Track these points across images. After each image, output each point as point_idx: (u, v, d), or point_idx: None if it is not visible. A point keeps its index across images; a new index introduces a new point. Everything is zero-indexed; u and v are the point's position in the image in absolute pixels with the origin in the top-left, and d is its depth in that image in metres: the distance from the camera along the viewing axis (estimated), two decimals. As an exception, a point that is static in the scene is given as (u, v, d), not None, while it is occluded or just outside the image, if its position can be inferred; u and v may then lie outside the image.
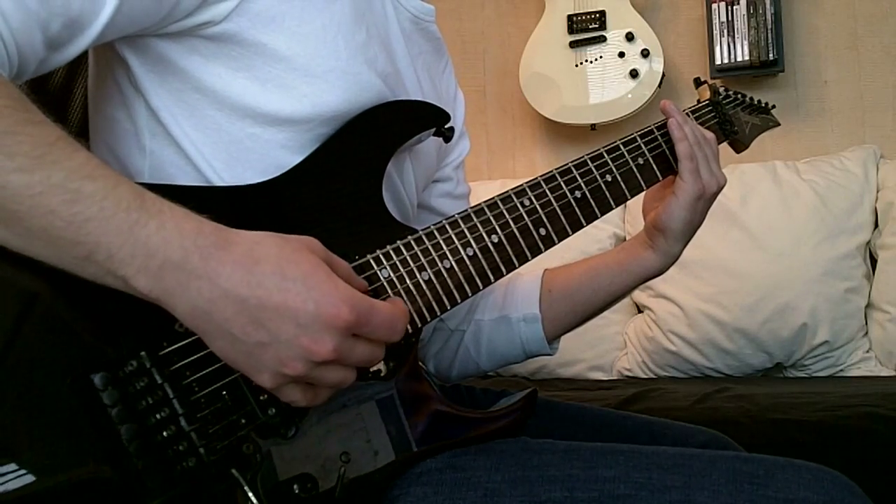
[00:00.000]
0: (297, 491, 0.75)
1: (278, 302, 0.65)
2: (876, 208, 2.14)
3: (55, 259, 0.64)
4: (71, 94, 1.06)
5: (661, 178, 1.03)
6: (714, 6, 2.38)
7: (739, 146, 1.20)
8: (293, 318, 0.65)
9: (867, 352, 2.07)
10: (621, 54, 2.39)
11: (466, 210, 0.89)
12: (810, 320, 2.02)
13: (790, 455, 0.82)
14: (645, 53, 2.37)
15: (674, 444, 0.96)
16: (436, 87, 1.04)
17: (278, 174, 0.82)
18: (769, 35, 2.33)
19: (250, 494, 0.72)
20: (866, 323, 2.09)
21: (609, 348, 2.24)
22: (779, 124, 1.30)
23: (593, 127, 2.45)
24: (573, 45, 2.43)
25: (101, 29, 0.72)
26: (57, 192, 0.62)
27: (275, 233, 0.69)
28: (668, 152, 1.03)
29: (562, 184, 0.94)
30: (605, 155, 0.99)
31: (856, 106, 2.39)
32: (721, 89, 1.19)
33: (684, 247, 1.04)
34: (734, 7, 2.36)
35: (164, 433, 0.70)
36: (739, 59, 2.35)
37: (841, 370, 2.07)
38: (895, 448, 1.38)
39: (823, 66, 2.42)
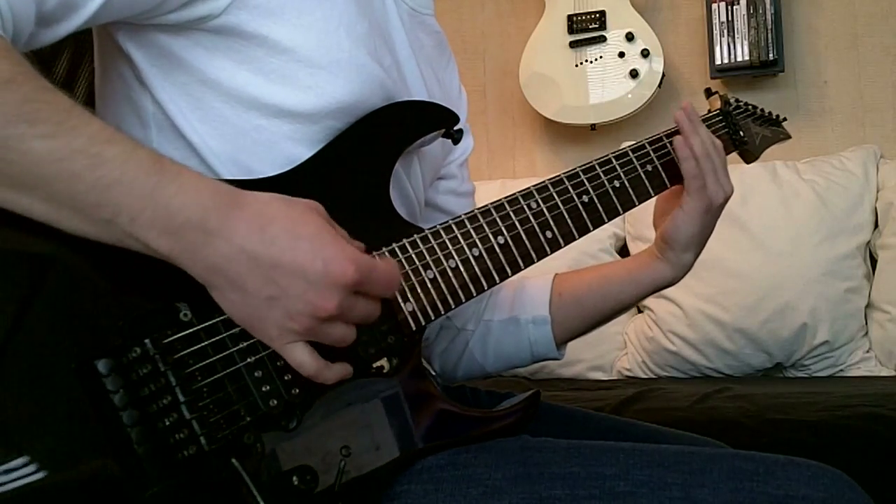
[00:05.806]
0: (296, 483, 0.75)
1: (289, 259, 0.68)
2: (876, 208, 2.14)
3: (77, 222, 0.66)
4: (73, 93, 1.06)
5: (669, 186, 1.03)
6: (714, 6, 2.38)
7: (749, 156, 1.20)
8: (303, 275, 0.67)
9: (867, 352, 2.07)
10: (621, 54, 2.39)
11: (473, 211, 0.89)
12: (810, 320, 2.02)
13: (790, 455, 0.82)
14: (645, 53, 2.38)
15: None
16: (440, 81, 1.04)
17: (286, 166, 0.83)
18: (769, 35, 2.33)
19: (250, 484, 0.72)
20: (866, 323, 2.08)
21: (609, 348, 2.24)
22: (790, 137, 1.30)
23: (593, 127, 2.45)
24: (573, 45, 2.43)
25: (95, 10, 0.73)
26: (79, 157, 0.64)
27: (281, 195, 0.71)
28: (677, 160, 1.03)
29: (569, 188, 0.95)
30: (614, 161, 0.99)
31: (856, 106, 2.39)
32: (732, 100, 1.19)
33: (696, 257, 1.04)
34: (734, 7, 2.36)
35: (166, 421, 0.71)
36: (739, 59, 2.35)
37: (841, 370, 2.07)
38: (895, 448, 1.39)
39: (823, 66, 2.42)
